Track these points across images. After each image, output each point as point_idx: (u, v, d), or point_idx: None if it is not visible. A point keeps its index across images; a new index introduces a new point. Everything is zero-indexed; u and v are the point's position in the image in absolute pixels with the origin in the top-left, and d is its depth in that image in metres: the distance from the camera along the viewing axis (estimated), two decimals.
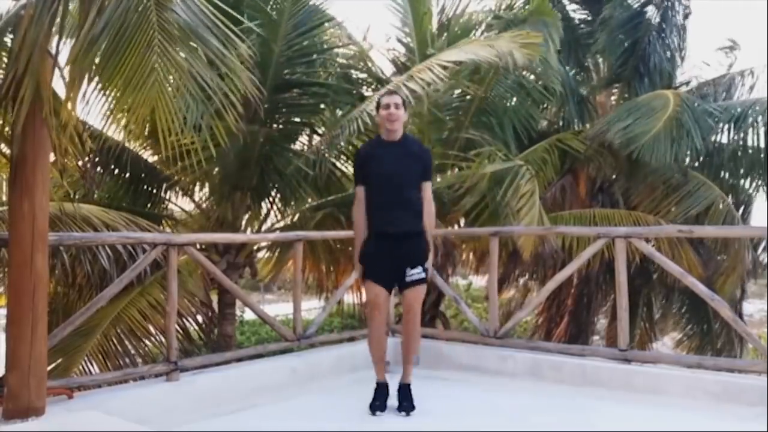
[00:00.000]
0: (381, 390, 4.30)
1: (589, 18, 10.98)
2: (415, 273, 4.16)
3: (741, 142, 9.87)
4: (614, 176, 10.08)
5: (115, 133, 7.81)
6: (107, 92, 3.55)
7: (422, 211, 4.24)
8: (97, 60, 3.27)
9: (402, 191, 4.17)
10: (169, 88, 3.35)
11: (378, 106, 4.32)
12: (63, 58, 3.20)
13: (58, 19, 3.09)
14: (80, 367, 5.96)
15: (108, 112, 3.66)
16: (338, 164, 8.35)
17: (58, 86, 3.33)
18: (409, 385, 4.30)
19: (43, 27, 2.98)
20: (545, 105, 9.48)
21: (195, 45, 3.44)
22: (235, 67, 3.60)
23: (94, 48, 3.15)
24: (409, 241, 4.18)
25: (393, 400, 4.29)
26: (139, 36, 3.27)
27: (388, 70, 9.37)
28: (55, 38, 3.23)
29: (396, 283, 4.31)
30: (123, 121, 3.61)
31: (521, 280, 11.89)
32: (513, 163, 7.75)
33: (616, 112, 9.43)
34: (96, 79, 3.42)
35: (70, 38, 3.51)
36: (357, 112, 7.00)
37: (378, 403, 4.23)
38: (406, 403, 4.23)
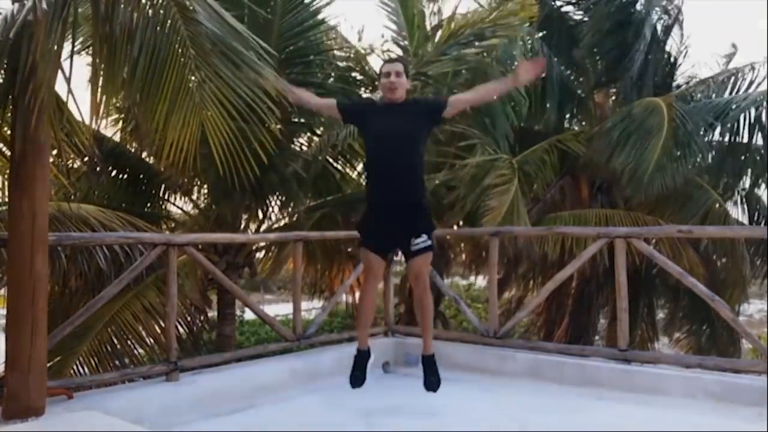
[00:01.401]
0: (361, 357, 4.13)
1: (585, 19, 10.97)
2: (421, 241, 3.94)
3: (740, 140, 9.88)
4: (614, 177, 10.07)
5: (114, 134, 7.86)
6: (152, 114, 3.50)
7: (422, 174, 4.04)
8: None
9: (402, 155, 3.93)
10: (211, 102, 3.35)
11: (380, 74, 4.09)
12: (63, 57, 3.20)
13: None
14: (73, 370, 5.94)
15: (155, 133, 3.66)
16: (336, 165, 8.34)
17: (60, 87, 3.32)
18: (432, 356, 4.09)
19: (55, 35, 2.97)
20: (528, 104, 9.48)
21: (229, 54, 3.42)
22: (265, 72, 3.56)
23: (137, 72, 3.18)
24: (410, 211, 3.98)
25: (393, 393, 4.28)
26: (174, 54, 3.29)
27: None
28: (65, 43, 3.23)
29: (394, 251, 4.24)
30: (171, 139, 3.53)
31: (521, 282, 11.91)
32: (496, 156, 7.79)
33: (610, 121, 9.36)
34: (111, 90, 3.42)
35: (83, 47, 3.54)
36: None
37: (358, 374, 4.07)
38: (433, 378, 4.04)
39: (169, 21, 3.33)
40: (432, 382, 4.05)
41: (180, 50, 3.32)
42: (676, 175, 8.30)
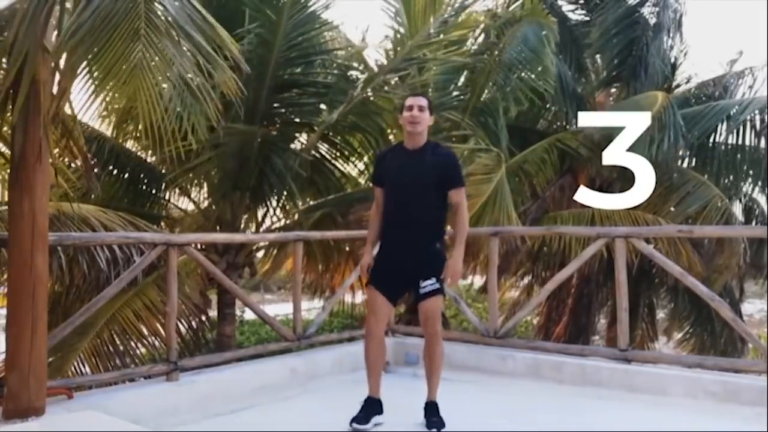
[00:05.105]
0: (369, 404, 4.00)
1: (587, 18, 11.00)
2: (429, 284, 3.97)
3: (740, 142, 9.90)
4: (614, 175, 10.08)
5: (113, 134, 7.84)
6: (92, 81, 3.50)
7: (439, 222, 4.03)
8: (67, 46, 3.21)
9: (413, 205, 3.97)
10: (152, 79, 3.28)
11: (402, 108, 4.08)
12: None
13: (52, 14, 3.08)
14: (73, 367, 5.94)
15: (94, 101, 3.63)
16: (337, 164, 8.34)
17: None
18: (435, 403, 4.05)
19: (38, 21, 2.96)
20: (538, 105, 9.48)
21: (179, 40, 3.38)
22: (218, 66, 3.54)
23: (78, 34, 3.10)
24: (420, 254, 4.00)
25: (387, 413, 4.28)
26: (126, 24, 3.20)
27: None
28: (53, 34, 3.22)
29: (401, 294, 4.28)
30: (106, 110, 3.49)
31: (521, 282, 11.91)
32: (483, 147, 7.77)
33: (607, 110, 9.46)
34: (83, 69, 3.39)
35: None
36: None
37: (362, 415, 3.92)
38: (436, 419, 3.98)
39: None
40: (434, 423, 3.99)
41: (131, 23, 3.23)
42: (650, 152, 8.24)
